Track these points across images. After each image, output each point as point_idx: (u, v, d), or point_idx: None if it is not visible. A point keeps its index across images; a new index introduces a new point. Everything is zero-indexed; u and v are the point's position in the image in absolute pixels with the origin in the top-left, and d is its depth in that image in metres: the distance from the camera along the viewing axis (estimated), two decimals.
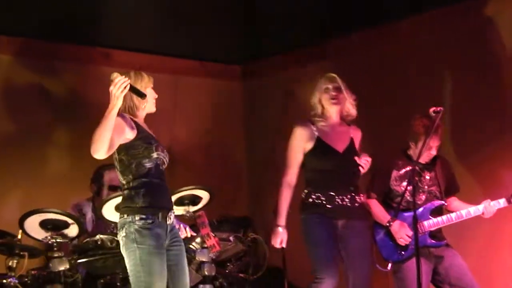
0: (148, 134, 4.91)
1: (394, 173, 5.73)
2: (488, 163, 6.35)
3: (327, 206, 5.52)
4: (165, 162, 4.96)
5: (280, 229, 5.60)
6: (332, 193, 5.52)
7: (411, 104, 6.39)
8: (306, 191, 5.62)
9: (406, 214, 5.58)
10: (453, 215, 5.65)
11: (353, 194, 5.53)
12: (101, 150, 4.58)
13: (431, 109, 5.33)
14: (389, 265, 5.65)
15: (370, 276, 5.53)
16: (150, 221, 4.73)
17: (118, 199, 5.73)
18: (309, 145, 5.61)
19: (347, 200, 5.52)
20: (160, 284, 4.75)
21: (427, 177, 5.69)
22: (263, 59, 8.31)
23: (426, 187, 5.68)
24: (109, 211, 5.84)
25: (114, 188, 6.43)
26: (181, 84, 7.98)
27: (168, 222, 4.85)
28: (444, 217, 5.65)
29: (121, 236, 4.78)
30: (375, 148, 6.48)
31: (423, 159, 5.56)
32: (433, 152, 5.61)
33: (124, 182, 4.86)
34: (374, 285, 5.58)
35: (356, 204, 5.53)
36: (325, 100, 5.61)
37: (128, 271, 4.79)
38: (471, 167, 6.41)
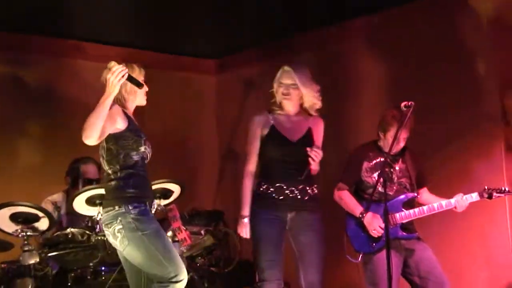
0: (138, 128, 4.89)
1: (365, 164, 5.73)
2: (461, 157, 6.38)
3: (276, 197, 5.48)
4: (149, 157, 4.95)
5: (245, 220, 5.56)
6: (281, 184, 5.49)
7: (378, 97, 6.40)
8: (257, 181, 5.58)
9: (378, 205, 5.51)
10: (425, 207, 5.64)
11: (304, 186, 5.48)
12: (93, 136, 4.53)
13: (402, 104, 5.34)
14: (360, 256, 5.66)
15: (321, 269, 5.50)
16: (143, 208, 4.72)
17: (89, 193, 5.75)
18: (264, 133, 5.58)
19: (297, 192, 5.47)
20: (178, 257, 4.75)
21: (397, 168, 5.71)
22: (237, 53, 8.31)
23: (396, 178, 5.69)
24: (80, 204, 5.84)
25: (89, 182, 6.43)
26: (154, 77, 7.95)
27: (152, 212, 4.85)
28: (416, 209, 5.63)
29: (116, 228, 4.69)
30: (338, 142, 6.58)
31: (392, 151, 5.54)
32: (402, 144, 5.63)
33: (110, 171, 4.79)
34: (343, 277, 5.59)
35: (306, 197, 5.48)
36: (278, 94, 5.59)
37: (142, 261, 4.72)
38: (444, 160, 6.43)
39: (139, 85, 4.75)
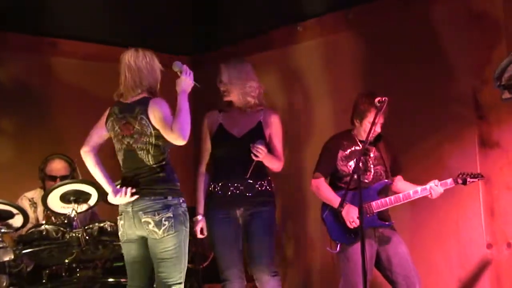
0: None
1: (340, 153, 5.72)
2: (435, 152, 6.39)
3: (222, 195, 5.53)
4: None
5: (198, 217, 5.60)
6: (226, 182, 5.52)
7: (354, 91, 6.40)
8: (208, 182, 5.65)
9: (354, 194, 5.47)
10: (401, 195, 5.64)
11: (250, 182, 5.49)
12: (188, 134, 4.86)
13: (376, 99, 5.38)
14: (338, 246, 5.64)
15: (271, 257, 5.52)
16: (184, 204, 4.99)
17: (63, 189, 5.73)
18: (213, 132, 5.64)
19: (242, 188, 5.49)
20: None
21: (372, 155, 5.72)
22: (212, 49, 8.30)
23: (372, 166, 5.71)
24: (55, 202, 5.82)
25: (53, 178, 6.41)
26: None
27: None
28: (392, 197, 5.64)
29: (164, 216, 4.84)
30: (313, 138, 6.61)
31: (370, 137, 5.52)
32: (378, 129, 5.63)
33: (155, 165, 4.94)
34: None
35: (253, 192, 5.49)
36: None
37: (170, 254, 4.89)
38: (418, 156, 6.44)
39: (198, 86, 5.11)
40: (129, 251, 5.00)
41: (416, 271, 5.63)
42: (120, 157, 5.04)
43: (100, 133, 5.11)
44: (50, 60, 7.61)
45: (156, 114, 4.89)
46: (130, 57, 5.02)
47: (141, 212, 4.86)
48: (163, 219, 4.82)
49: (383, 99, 5.32)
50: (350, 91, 6.45)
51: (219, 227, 5.55)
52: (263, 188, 5.54)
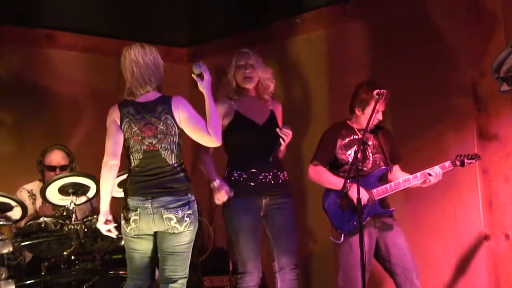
0: None
1: (339, 142, 5.70)
2: (434, 145, 6.39)
3: (250, 184, 5.45)
4: None
5: (215, 183, 5.43)
6: (254, 170, 5.46)
7: (353, 86, 6.40)
8: (227, 170, 5.56)
9: (353, 182, 5.42)
10: (400, 180, 5.62)
11: (276, 171, 5.49)
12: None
13: (375, 91, 5.39)
14: (342, 236, 5.62)
15: (295, 251, 5.52)
16: None
17: (61, 181, 5.73)
18: (227, 121, 5.53)
19: (270, 177, 5.47)
20: None
21: (370, 143, 5.72)
22: (209, 41, 8.29)
23: (370, 154, 5.71)
24: (53, 194, 5.82)
25: (52, 169, 6.41)
26: None
27: None
28: (392, 183, 5.62)
29: (186, 213, 4.90)
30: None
31: (371, 124, 5.50)
32: (379, 117, 5.63)
33: (176, 164, 4.97)
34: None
35: (279, 181, 5.49)
36: (238, 77, 5.59)
37: (185, 249, 4.96)
38: (417, 148, 6.44)
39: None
40: (140, 246, 4.98)
41: (414, 263, 5.63)
42: (136, 156, 4.95)
43: (118, 139, 4.96)
44: (47, 52, 7.60)
45: (183, 115, 4.94)
46: (137, 53, 4.98)
47: (163, 209, 4.85)
48: (185, 215, 4.87)
49: (382, 91, 5.33)
50: (349, 83, 6.44)
51: (243, 215, 5.45)
52: (285, 178, 5.55)
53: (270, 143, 5.42)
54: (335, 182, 5.62)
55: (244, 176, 5.46)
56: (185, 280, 5.00)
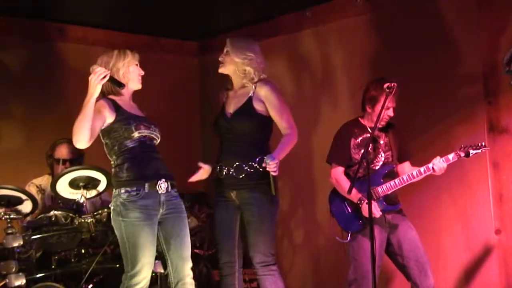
0: (128, 115, 5.02)
1: (352, 142, 5.70)
2: (445, 137, 6.36)
3: (219, 177, 5.45)
4: (155, 137, 5.12)
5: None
6: (221, 163, 5.44)
7: (362, 78, 6.38)
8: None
9: (362, 181, 5.43)
10: (404, 176, 5.58)
11: (239, 163, 5.33)
12: (82, 140, 4.78)
13: (385, 85, 5.36)
14: (349, 235, 5.64)
15: (261, 245, 5.36)
16: (134, 193, 4.87)
17: (72, 175, 5.74)
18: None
19: (232, 169, 5.36)
20: (147, 256, 4.86)
21: (381, 142, 5.70)
22: (220, 34, 8.28)
23: (382, 152, 5.69)
24: (64, 187, 5.83)
25: (63, 162, 6.42)
26: None
27: (160, 191, 4.94)
28: (396, 180, 5.59)
29: (111, 209, 4.93)
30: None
31: (379, 123, 5.47)
32: (390, 114, 5.61)
33: (111, 163, 5.01)
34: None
35: (241, 176, 5.34)
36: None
37: (120, 245, 4.91)
38: (428, 142, 6.41)
39: (120, 85, 4.92)
40: None
41: (426, 256, 5.62)
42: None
43: None
44: (58, 46, 7.61)
45: None
46: None
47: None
48: (111, 210, 5.02)
49: (392, 84, 5.31)
50: (359, 77, 6.45)
51: (218, 210, 5.53)
52: (252, 170, 5.34)
53: (235, 136, 5.38)
54: (352, 195, 5.47)
55: (217, 169, 5.45)
56: (132, 276, 4.91)
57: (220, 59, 5.54)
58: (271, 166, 5.07)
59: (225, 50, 5.52)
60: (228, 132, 5.44)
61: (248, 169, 5.33)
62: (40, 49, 7.48)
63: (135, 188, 4.87)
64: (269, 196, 5.28)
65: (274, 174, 5.12)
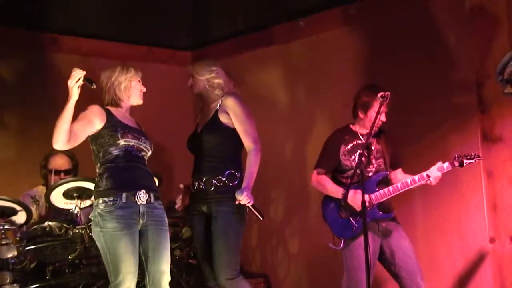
0: (117, 123, 5.04)
1: (342, 148, 5.71)
2: (438, 146, 6.39)
3: (192, 191, 5.51)
4: (145, 149, 5.12)
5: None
6: (192, 178, 5.51)
7: (354, 85, 6.39)
8: None
9: (356, 187, 5.44)
10: (398, 184, 5.58)
11: (207, 178, 5.37)
12: (59, 141, 4.76)
13: (379, 94, 5.37)
14: (342, 242, 5.65)
15: (225, 258, 5.30)
16: (111, 203, 4.85)
17: (66, 186, 5.74)
18: None
19: (202, 184, 5.41)
20: (128, 266, 4.85)
21: (373, 148, 5.71)
22: (213, 44, 8.30)
23: (374, 159, 5.70)
24: (58, 198, 5.82)
25: (57, 173, 6.42)
26: None
27: (139, 202, 4.93)
28: (390, 187, 5.59)
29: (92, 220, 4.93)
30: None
31: (375, 127, 5.48)
32: (383, 119, 5.61)
33: (96, 170, 5.02)
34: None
35: (209, 190, 5.37)
36: None
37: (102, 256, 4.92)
38: (421, 150, 6.42)
39: (91, 83, 4.92)
40: None
41: (419, 266, 5.62)
42: None
43: None
44: (50, 56, 7.60)
45: None
46: None
47: None
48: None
49: (386, 94, 5.32)
50: (352, 86, 6.43)
51: (192, 223, 5.61)
52: (220, 184, 5.37)
53: (203, 151, 5.44)
54: (334, 191, 5.63)
55: (191, 184, 5.50)
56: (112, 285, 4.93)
57: (188, 84, 5.63)
58: (243, 199, 5.21)
59: (191, 75, 5.61)
60: (197, 147, 5.50)
61: (217, 183, 5.37)
62: (33, 59, 7.48)
63: (112, 198, 4.87)
64: (236, 209, 5.32)
65: (249, 204, 5.25)
